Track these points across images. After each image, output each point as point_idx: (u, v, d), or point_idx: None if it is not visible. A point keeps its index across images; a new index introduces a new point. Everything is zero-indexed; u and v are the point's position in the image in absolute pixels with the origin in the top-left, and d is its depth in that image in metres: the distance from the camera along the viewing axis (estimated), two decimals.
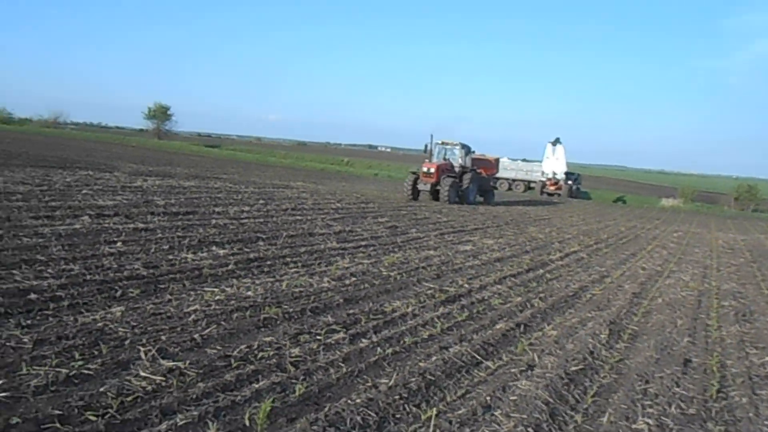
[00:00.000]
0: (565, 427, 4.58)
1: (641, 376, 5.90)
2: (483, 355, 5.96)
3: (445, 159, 26.99)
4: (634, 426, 4.72)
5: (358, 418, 4.17)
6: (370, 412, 4.28)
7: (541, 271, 11.43)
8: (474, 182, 26.90)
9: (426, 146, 26.99)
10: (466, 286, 9.16)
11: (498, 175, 50.64)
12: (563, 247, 15.23)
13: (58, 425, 3.58)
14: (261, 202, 17.68)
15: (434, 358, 5.63)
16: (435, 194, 25.57)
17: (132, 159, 32.60)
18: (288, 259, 9.51)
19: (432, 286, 8.86)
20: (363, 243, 12.25)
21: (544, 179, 46.79)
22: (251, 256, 9.34)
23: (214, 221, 12.35)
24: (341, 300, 7.39)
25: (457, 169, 26.69)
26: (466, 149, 27.35)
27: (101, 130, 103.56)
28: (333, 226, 14.16)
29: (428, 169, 25.85)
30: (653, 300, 9.73)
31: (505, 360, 5.94)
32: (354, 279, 8.67)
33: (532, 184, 48.49)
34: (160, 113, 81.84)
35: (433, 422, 4.28)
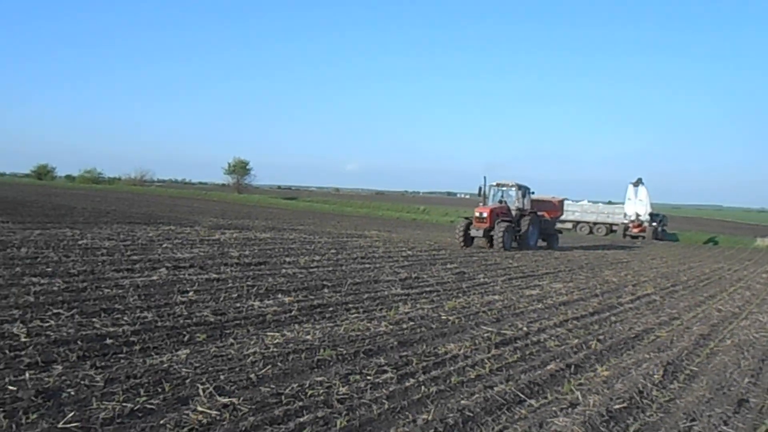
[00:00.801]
0: None
1: (688, 414, 5.84)
2: (527, 394, 6.06)
3: (501, 202, 25.58)
4: None
5: None
6: None
7: (607, 314, 11.30)
8: (534, 225, 25.39)
9: (480, 189, 25.38)
10: (525, 329, 9.22)
11: (578, 218, 50.03)
12: (636, 290, 14.91)
13: None
14: (332, 251, 18.23)
15: (477, 396, 5.81)
16: (490, 240, 24.14)
17: (212, 213, 34.32)
18: (350, 305, 9.86)
19: (490, 329, 8.97)
20: (428, 289, 12.49)
21: (626, 221, 45.57)
22: (315, 302, 9.77)
23: (283, 271, 12.93)
24: (395, 343, 7.65)
25: (513, 213, 25.11)
26: (524, 190, 25.89)
27: (185, 186, 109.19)
28: (400, 273, 14.46)
29: (481, 214, 24.19)
30: (721, 342, 9.44)
31: (549, 399, 6.02)
32: (411, 323, 8.92)
33: (615, 227, 47.26)
34: (240, 168, 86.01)
35: None
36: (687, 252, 34.17)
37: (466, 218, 25.05)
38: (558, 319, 10.29)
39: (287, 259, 15.01)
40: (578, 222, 49.96)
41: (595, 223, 49.26)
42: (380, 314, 9.37)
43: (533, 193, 26.30)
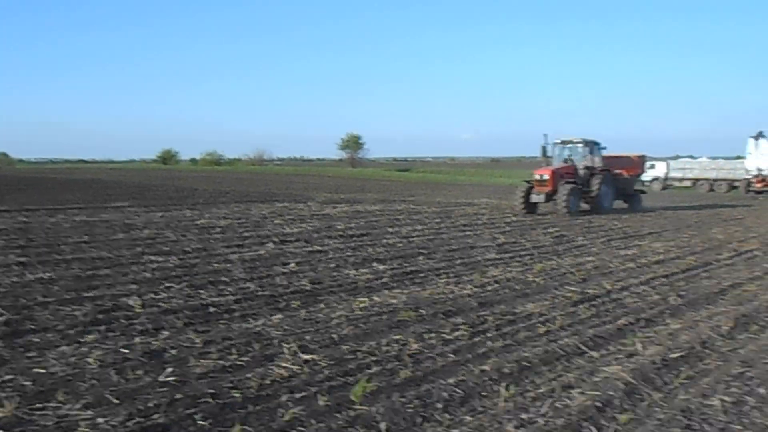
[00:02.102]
0: (639, 403, 4.88)
1: (745, 362, 5.91)
2: (590, 346, 6.31)
3: (566, 161, 23.33)
4: (707, 402, 4.91)
5: (445, 394, 4.88)
6: (458, 391, 4.97)
7: (699, 270, 11.06)
8: (608, 185, 23.02)
9: (543, 148, 23.17)
10: (608, 287, 9.28)
11: (698, 176, 47.70)
12: (740, 247, 14.29)
13: (209, 399, 4.70)
14: (437, 220, 18.72)
15: (539, 348, 6.14)
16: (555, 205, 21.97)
17: (327, 189, 35.80)
18: (441, 271, 10.28)
19: (574, 289, 9.10)
20: (522, 253, 12.66)
21: (748, 177, 42.87)
22: (408, 269, 10.28)
23: (384, 241, 13.55)
24: (476, 304, 8.01)
25: (582, 173, 22.74)
26: (592, 146, 23.28)
27: (303, 163, 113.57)
28: (498, 238, 14.69)
29: (541, 176, 22.01)
30: None
31: (609, 350, 6.26)
32: (496, 285, 9.22)
33: (736, 183, 44.80)
34: (353, 143, 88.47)
35: (511, 399, 4.81)
36: None
37: (528, 182, 22.71)
38: (645, 277, 10.22)
39: (390, 230, 15.64)
40: (697, 179, 47.96)
41: (715, 180, 47.28)
42: (469, 278, 9.71)
43: (604, 148, 23.67)
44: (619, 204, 24.56)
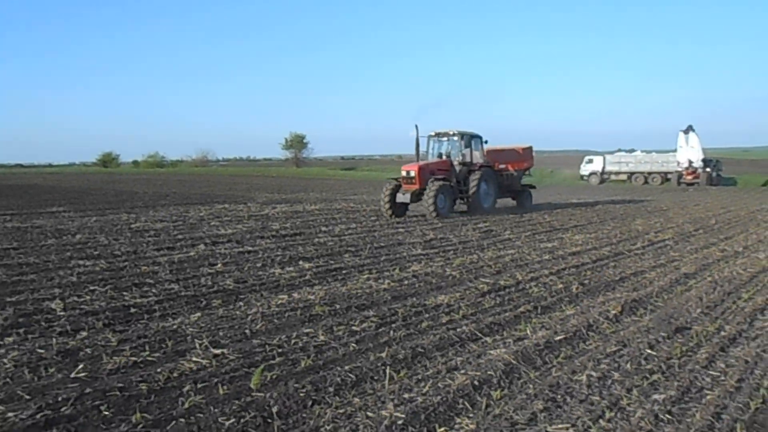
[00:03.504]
0: (515, 381, 5.45)
1: (622, 342, 6.50)
2: (485, 333, 6.85)
3: (441, 156, 21.30)
4: (575, 378, 5.49)
5: (339, 380, 5.36)
6: (351, 376, 5.45)
7: (608, 261, 11.78)
8: (488, 182, 21.07)
9: (416, 142, 20.92)
10: (520, 278, 9.87)
11: (633, 169, 49.57)
12: (655, 237, 15.22)
13: (117, 393, 5.05)
14: (372, 218, 19.16)
15: (436, 336, 6.64)
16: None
17: (269, 189, 36.01)
18: (365, 268, 10.73)
19: (487, 281, 9.66)
20: (448, 248, 13.21)
21: (680, 169, 45.18)
22: (332, 267, 10.72)
23: (316, 240, 13.98)
24: (389, 297, 8.51)
25: (458, 169, 20.75)
26: (469, 139, 21.21)
27: (249, 163, 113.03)
28: (428, 234, 15.21)
29: (408, 173, 19.81)
30: (702, 280, 9.88)
31: (503, 336, 6.78)
32: (414, 280, 9.73)
33: (669, 176, 47.03)
34: (297, 142, 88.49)
35: (399, 382, 5.30)
36: (738, 196, 33.54)
37: (395, 179, 20.50)
38: (557, 267, 10.89)
39: (323, 229, 16.08)
40: (633, 173, 49.98)
41: (649, 173, 49.33)
42: (390, 274, 10.19)
43: (486, 142, 21.90)
44: (505, 203, 23.57)
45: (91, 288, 8.70)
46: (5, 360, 5.76)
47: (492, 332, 6.92)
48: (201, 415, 4.65)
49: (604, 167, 51.67)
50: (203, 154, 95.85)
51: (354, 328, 6.98)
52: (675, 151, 46.14)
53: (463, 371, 5.59)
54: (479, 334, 6.79)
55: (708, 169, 44.45)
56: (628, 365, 5.83)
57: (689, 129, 44.73)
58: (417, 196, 19.55)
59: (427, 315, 7.58)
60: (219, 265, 10.53)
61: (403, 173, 19.97)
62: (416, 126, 20.78)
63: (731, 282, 9.63)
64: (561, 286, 9.34)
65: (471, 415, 4.76)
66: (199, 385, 5.20)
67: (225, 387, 5.16)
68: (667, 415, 4.77)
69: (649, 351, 6.23)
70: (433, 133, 21.42)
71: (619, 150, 56.37)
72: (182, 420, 4.58)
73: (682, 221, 19.02)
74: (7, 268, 10.22)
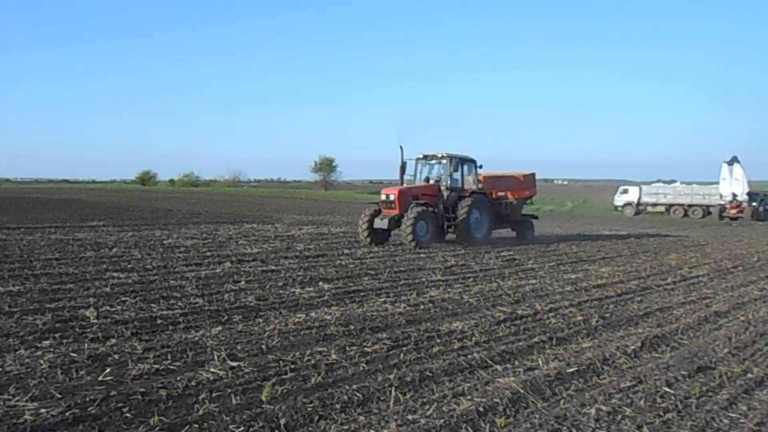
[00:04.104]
0: (522, 409, 5.54)
1: (638, 377, 6.48)
2: (496, 361, 6.94)
3: (428, 180, 19.90)
4: (583, 411, 5.53)
5: (346, 397, 5.57)
6: (358, 395, 5.66)
7: (635, 294, 11.62)
8: (481, 210, 19.50)
9: (402, 165, 19.50)
10: (538, 309, 9.91)
11: (671, 201, 48.72)
12: (689, 273, 14.92)
13: (139, 397, 5.40)
14: (396, 243, 19.38)
15: (446, 361, 6.80)
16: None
17: (297, 210, 36.63)
18: (382, 291, 10.97)
19: (504, 310, 9.72)
20: (469, 275, 13.35)
21: (723, 202, 44.16)
22: (351, 289, 10.99)
23: (338, 262, 14.30)
24: (404, 321, 8.71)
25: (446, 195, 19.29)
26: (460, 163, 19.72)
27: (279, 184, 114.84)
28: (449, 261, 15.40)
29: (387, 196, 18.47)
30: (733, 319, 9.66)
31: (514, 365, 6.85)
32: (430, 305, 9.91)
33: (711, 209, 45.96)
34: (326, 165, 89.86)
35: (404, 403, 5.52)
36: None
37: (376, 203, 19.23)
38: (579, 299, 10.83)
39: (346, 252, 16.42)
40: (671, 205, 48.94)
41: (690, 206, 48.22)
42: (406, 298, 10.41)
43: (480, 167, 20.46)
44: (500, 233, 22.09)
45: (123, 299, 9.19)
46: (41, 361, 6.21)
47: (503, 360, 6.98)
48: (213, 422, 4.93)
49: (639, 198, 50.96)
50: (235, 174, 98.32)
51: (366, 349, 7.21)
52: (718, 183, 45.31)
53: (469, 397, 5.71)
54: (490, 362, 6.86)
55: (754, 204, 43.30)
56: (642, 402, 5.77)
57: (734, 160, 43.87)
58: (396, 222, 18.11)
59: (439, 340, 7.74)
60: (242, 283, 10.93)
61: (383, 197, 18.67)
62: (401, 147, 19.32)
63: (766, 323, 9.37)
64: (580, 318, 9.30)
65: None
66: (214, 394, 5.50)
67: (238, 398, 5.45)
68: None
69: (666, 389, 6.15)
70: (421, 156, 19.98)
71: (659, 180, 55.42)
72: (196, 425, 4.86)
73: (721, 257, 18.61)
74: (49, 277, 10.83)
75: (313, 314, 8.86)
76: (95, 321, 7.87)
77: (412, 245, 17.51)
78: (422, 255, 16.45)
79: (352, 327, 8.21)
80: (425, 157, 19.96)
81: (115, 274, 11.20)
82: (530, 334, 8.30)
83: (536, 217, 23.40)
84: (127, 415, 5.04)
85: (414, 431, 4.93)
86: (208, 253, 14.57)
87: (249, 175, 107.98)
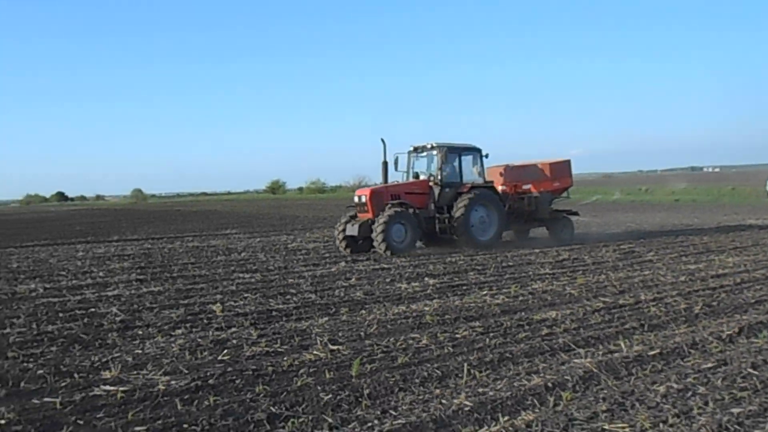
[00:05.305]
0: (591, 386, 5.80)
1: (723, 360, 6.50)
2: (580, 345, 7.14)
3: (422, 176, 17.53)
4: (653, 387, 5.73)
5: (426, 374, 6.17)
6: (437, 372, 6.22)
7: (753, 284, 11.05)
8: (487, 207, 16.89)
9: (395, 160, 17.27)
10: (642, 298, 9.81)
11: None
12: None
13: (250, 372, 6.35)
14: (507, 239, 19.49)
15: (528, 344, 7.18)
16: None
17: None
18: (485, 285, 11.35)
19: (605, 300, 9.76)
20: (578, 268, 13.32)
21: None
22: (454, 283, 11.52)
23: (447, 259, 14.82)
24: (499, 311, 9.10)
25: (437, 192, 16.80)
26: (450, 153, 16.98)
27: None
28: (561, 255, 15.40)
29: (360, 198, 16.36)
30: None
31: (599, 349, 7.02)
32: (530, 297, 10.19)
33: None
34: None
35: (479, 379, 6.01)
36: None
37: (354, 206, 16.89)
38: (689, 289, 10.51)
39: (456, 249, 16.83)
40: None
41: None
42: (507, 291, 10.72)
43: (486, 156, 17.71)
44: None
45: (245, 295, 10.44)
46: (173, 345, 7.46)
47: (587, 345, 7.18)
48: (308, 391, 5.74)
49: None
50: (360, 179, 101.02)
51: (456, 335, 7.74)
52: None
53: (541, 374, 6.09)
54: (573, 346, 7.12)
55: None
56: (719, 381, 5.80)
57: None
58: (368, 228, 15.61)
59: (528, 327, 8.07)
60: (353, 280, 11.83)
61: (355, 199, 16.55)
62: (382, 140, 16.83)
63: None
64: (683, 306, 9.10)
65: (536, 410, 5.27)
66: (311, 370, 6.34)
67: (332, 373, 6.22)
68: (735, 426, 4.83)
69: (750, 370, 6.10)
70: (411, 148, 17.53)
71: None
72: (293, 393, 5.70)
73: None
74: (185, 278, 12.41)
75: (413, 306, 9.50)
76: (220, 314, 9.10)
77: (385, 252, 15.23)
78: (536, 250, 16.45)
79: (447, 317, 8.75)
80: (415, 149, 17.48)
81: (241, 275, 12.61)
82: (623, 321, 8.36)
83: (575, 213, 20.08)
84: (239, 384, 6.00)
85: (481, 401, 5.41)
86: (327, 255, 15.75)
87: (374, 178, 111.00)
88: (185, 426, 5.01)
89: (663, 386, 5.75)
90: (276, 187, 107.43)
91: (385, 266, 13.63)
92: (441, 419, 5.06)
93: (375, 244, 15.37)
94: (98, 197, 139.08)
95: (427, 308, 9.31)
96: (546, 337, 7.61)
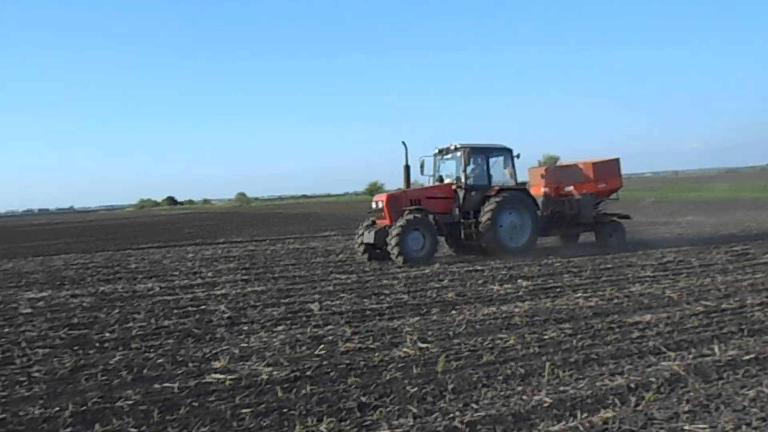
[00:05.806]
0: (676, 388, 5.79)
1: None
2: (671, 349, 7.04)
3: (446, 180, 16.76)
4: (741, 392, 5.65)
5: (509, 372, 6.40)
6: (521, 370, 6.42)
7: None
8: (520, 212, 15.99)
9: (422, 163, 16.56)
10: (748, 303, 9.37)
11: None
12: None
13: (343, 365, 6.86)
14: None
15: (614, 347, 7.19)
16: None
17: None
18: (580, 287, 11.25)
19: (707, 304, 9.39)
20: (683, 271, 12.79)
21: None
22: (548, 285, 11.54)
23: (543, 261, 14.76)
24: (591, 314, 9.07)
25: (462, 195, 15.97)
26: (480, 154, 16.24)
27: None
28: (665, 257, 14.89)
29: (377, 204, 15.82)
30: None
31: (692, 353, 6.90)
32: (625, 299, 10.01)
33: None
34: (551, 163, 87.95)
35: (562, 378, 6.16)
36: None
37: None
38: None
39: (553, 251, 16.70)
40: None
41: None
42: (603, 293, 10.58)
43: (518, 156, 16.64)
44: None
45: (341, 295, 11.04)
46: (275, 340, 8.14)
47: (678, 348, 7.07)
48: (395, 383, 6.14)
49: None
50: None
51: (544, 337, 7.86)
52: None
53: (625, 376, 6.14)
54: (663, 349, 7.04)
55: None
56: None
57: None
58: (386, 235, 15.04)
59: (619, 330, 8.03)
60: (446, 281, 12.14)
61: (373, 204, 16.10)
62: (404, 143, 16.11)
63: None
64: None
65: (616, 409, 5.34)
66: (399, 365, 6.75)
67: (419, 369, 6.58)
68: None
69: None
70: (436, 151, 16.74)
71: None
72: (381, 386, 6.11)
73: None
74: (285, 279, 13.27)
75: (503, 307, 9.67)
76: (318, 312, 9.74)
77: (399, 261, 14.59)
78: (638, 252, 15.94)
79: (536, 318, 8.87)
80: (440, 151, 16.71)
81: (338, 276, 13.29)
82: (722, 325, 8.11)
83: (628, 216, 18.49)
84: (333, 376, 6.52)
85: (561, 398, 5.58)
86: None
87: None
88: (285, 411, 5.57)
89: (753, 390, 5.65)
90: (374, 189, 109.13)
91: (479, 268, 13.83)
92: (520, 414, 5.29)
93: (391, 251, 14.69)
94: (205, 201, 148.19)
95: (517, 310, 9.45)
96: (636, 339, 7.57)
